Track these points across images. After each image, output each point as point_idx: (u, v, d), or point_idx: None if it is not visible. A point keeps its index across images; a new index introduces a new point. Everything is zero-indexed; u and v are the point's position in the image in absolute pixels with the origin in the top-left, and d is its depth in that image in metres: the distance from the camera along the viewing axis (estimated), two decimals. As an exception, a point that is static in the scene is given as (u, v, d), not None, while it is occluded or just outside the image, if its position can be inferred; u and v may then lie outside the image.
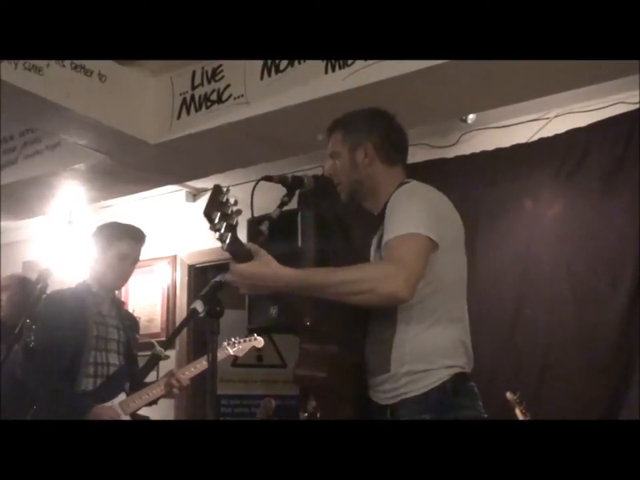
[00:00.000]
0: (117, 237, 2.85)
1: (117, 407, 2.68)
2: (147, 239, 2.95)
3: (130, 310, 4.07)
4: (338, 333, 1.85)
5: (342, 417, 1.82)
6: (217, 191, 1.56)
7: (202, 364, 2.96)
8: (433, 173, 3.79)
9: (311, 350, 1.85)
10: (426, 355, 1.79)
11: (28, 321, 3.55)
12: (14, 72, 2.87)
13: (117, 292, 3.11)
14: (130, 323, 3.01)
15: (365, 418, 1.83)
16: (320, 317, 1.86)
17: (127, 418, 2.69)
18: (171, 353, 4.38)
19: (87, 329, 2.73)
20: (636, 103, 3.30)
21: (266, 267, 1.67)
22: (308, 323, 1.86)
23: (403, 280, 1.67)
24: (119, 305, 3.02)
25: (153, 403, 2.87)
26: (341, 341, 1.84)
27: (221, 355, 3.05)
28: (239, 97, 3.27)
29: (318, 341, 1.85)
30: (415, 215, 1.77)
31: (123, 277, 2.93)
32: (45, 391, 2.65)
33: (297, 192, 1.95)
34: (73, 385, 2.67)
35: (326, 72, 3.00)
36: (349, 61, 2.94)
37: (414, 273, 1.69)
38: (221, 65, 3.34)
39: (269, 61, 3.17)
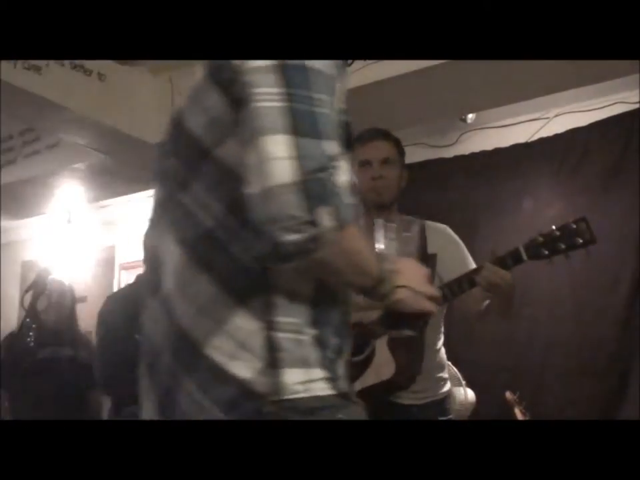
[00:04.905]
0: None
1: None
2: None
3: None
4: None
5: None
6: None
7: None
8: (432, 172, 3.80)
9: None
10: (443, 365, 2.16)
11: (28, 320, 3.54)
12: (13, 72, 2.87)
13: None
14: None
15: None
16: None
17: None
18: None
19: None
20: (636, 103, 3.30)
21: None
22: None
23: None
24: None
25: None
26: None
27: None
28: (238, 97, 3.27)
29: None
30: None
31: None
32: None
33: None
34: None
35: (325, 72, 3.00)
36: (349, 61, 2.93)
37: None
38: (220, 65, 3.34)
39: (269, 61, 3.17)
